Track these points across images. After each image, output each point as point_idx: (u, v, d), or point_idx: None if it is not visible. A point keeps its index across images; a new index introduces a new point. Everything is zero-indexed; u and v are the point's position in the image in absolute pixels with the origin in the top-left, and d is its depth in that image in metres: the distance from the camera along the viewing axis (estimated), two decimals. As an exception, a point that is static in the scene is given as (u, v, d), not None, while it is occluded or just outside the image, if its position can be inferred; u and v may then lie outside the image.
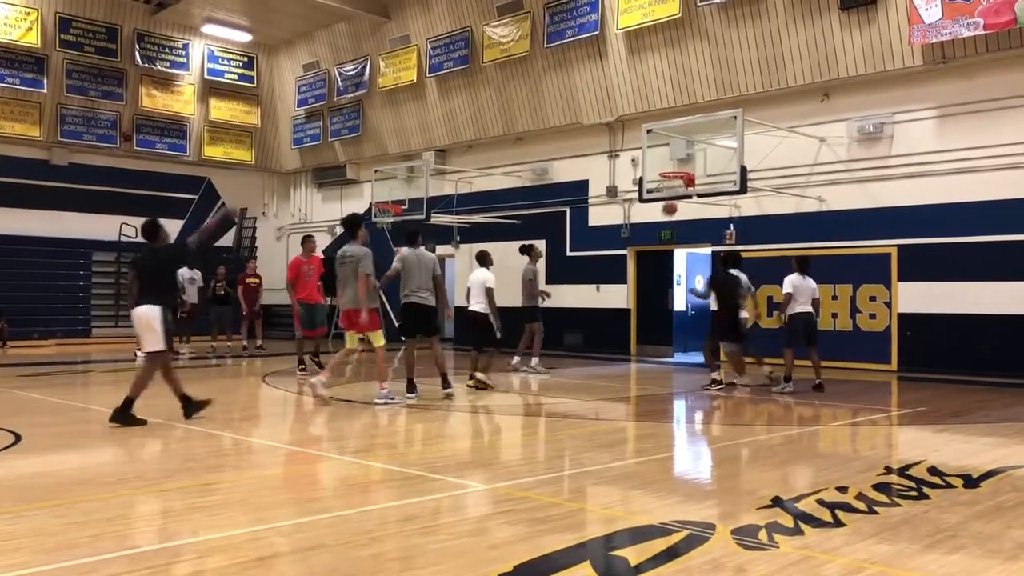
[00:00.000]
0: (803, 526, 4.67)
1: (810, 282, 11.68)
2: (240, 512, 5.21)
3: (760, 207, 15.81)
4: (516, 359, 14.63)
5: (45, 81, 20.86)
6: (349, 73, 22.48)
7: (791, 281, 11.56)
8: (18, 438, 7.36)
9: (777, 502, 5.20)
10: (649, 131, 14.54)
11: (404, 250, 10.98)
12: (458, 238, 20.72)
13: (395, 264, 10.87)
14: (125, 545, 4.27)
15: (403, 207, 19.44)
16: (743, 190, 13.55)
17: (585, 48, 17.50)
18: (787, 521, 4.76)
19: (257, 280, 18.93)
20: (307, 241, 14.59)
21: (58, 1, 20.97)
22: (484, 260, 13.17)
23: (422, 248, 10.98)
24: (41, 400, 10.63)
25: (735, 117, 13.45)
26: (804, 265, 11.75)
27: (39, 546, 4.27)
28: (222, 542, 4.41)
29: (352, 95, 22.45)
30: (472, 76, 19.65)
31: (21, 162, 21.05)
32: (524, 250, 14.82)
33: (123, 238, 22.34)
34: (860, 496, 5.40)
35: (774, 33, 14.92)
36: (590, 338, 18.22)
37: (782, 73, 15.02)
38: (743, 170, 13.37)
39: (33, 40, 20.46)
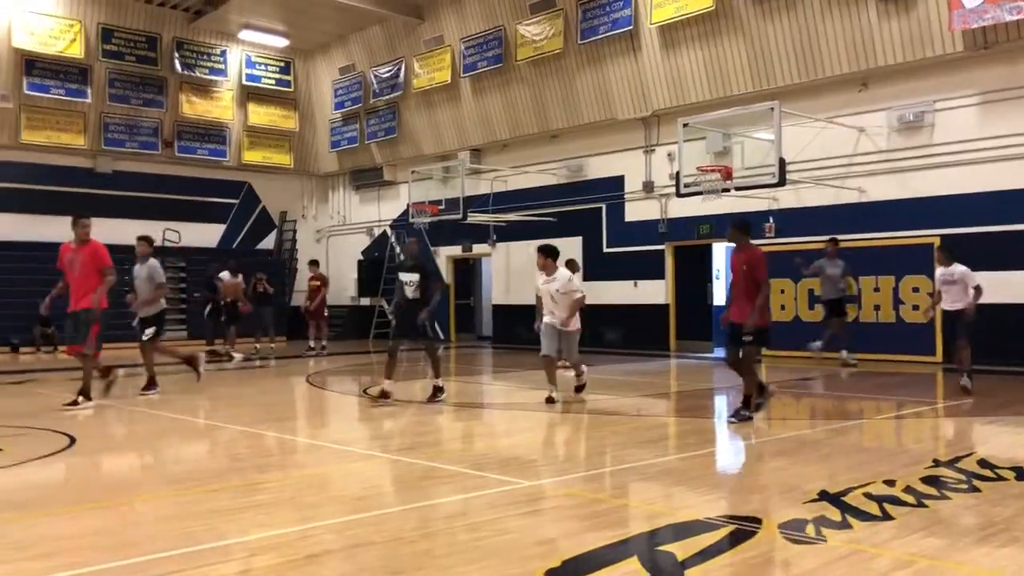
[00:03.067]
0: (851, 520, 4.64)
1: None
2: (288, 511, 5.30)
3: (799, 199, 15.66)
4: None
5: (89, 91, 21.29)
6: (384, 75, 22.64)
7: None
8: (73, 440, 7.54)
9: (824, 496, 5.16)
10: (685, 125, 14.47)
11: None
12: (494, 237, 20.78)
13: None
14: (179, 544, 4.37)
15: (440, 207, 19.56)
16: (782, 182, 13.43)
17: (618, 43, 17.45)
18: (835, 515, 4.73)
19: (318, 282, 19.15)
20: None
21: (100, 12, 21.38)
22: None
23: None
24: (92, 402, 10.83)
25: (772, 109, 13.34)
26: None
27: (97, 545, 4.38)
28: (272, 540, 4.49)
29: (387, 97, 22.61)
30: (506, 75, 19.69)
31: (67, 170, 21.50)
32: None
33: (166, 243, 22.71)
34: (908, 489, 5.35)
35: (810, 23, 14.75)
36: (628, 335, 18.17)
37: (819, 63, 14.85)
38: (781, 162, 13.26)
39: (77, 51, 20.89)
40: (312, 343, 19.14)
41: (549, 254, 10.06)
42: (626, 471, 6.35)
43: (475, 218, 19.56)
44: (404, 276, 10.25)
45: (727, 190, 14.25)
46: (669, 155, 17.08)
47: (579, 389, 10.46)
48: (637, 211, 18.31)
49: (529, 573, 3.79)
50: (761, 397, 8.67)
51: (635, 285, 18.26)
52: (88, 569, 3.94)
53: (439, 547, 4.35)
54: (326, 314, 19.47)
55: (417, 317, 10.14)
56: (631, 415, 9.64)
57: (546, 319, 10.06)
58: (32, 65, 20.53)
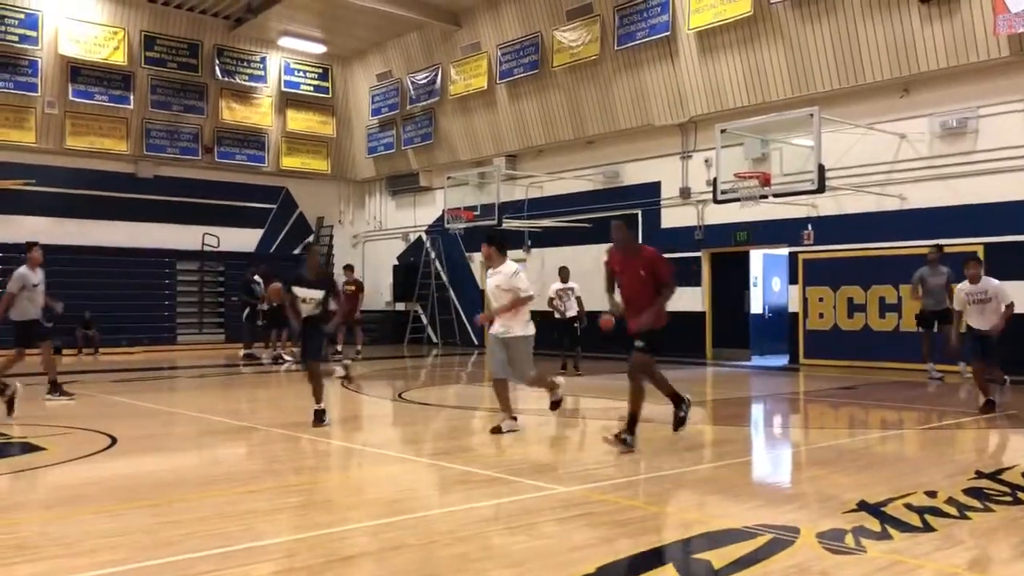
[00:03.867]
0: (891, 530, 4.56)
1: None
2: (324, 513, 5.34)
3: (839, 206, 15.47)
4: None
5: (131, 97, 21.66)
6: (421, 81, 22.77)
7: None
8: (114, 441, 7.66)
9: (863, 506, 5.08)
10: (723, 131, 14.37)
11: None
12: (529, 243, 20.78)
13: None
14: (216, 544, 4.41)
15: (475, 213, 19.60)
16: (821, 189, 13.28)
17: (656, 49, 17.39)
18: (874, 525, 4.66)
19: (353, 287, 19.26)
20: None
21: (143, 19, 21.77)
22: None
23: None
24: (132, 404, 11.03)
25: (811, 115, 13.20)
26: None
27: (136, 543, 4.44)
28: (307, 542, 4.52)
29: (424, 103, 22.73)
30: (542, 81, 19.70)
31: (109, 175, 21.88)
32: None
33: (206, 247, 23.02)
34: (951, 501, 5.25)
35: (851, 28, 14.59)
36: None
37: (859, 69, 14.67)
38: (821, 169, 13.11)
39: (120, 58, 21.27)
40: (340, 348, 19.24)
41: (494, 242, 8.40)
42: (660, 479, 6.31)
43: (510, 224, 19.57)
44: (303, 292, 8.89)
45: (765, 197, 14.11)
46: (706, 161, 16.96)
47: (555, 405, 9.02)
48: (673, 217, 18.21)
49: (564, 579, 3.78)
50: (683, 410, 7.77)
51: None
52: (130, 566, 4.00)
53: (474, 551, 4.34)
54: (360, 318, 19.56)
55: (316, 337, 9.04)
56: (665, 422, 9.56)
57: (492, 328, 8.36)
58: (77, 72, 20.94)
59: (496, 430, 8.20)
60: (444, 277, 23.59)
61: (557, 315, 14.99)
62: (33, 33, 20.28)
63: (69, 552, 4.25)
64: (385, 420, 10.52)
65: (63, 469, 6.52)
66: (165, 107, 22.26)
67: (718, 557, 4.07)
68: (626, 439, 7.24)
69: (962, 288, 9.50)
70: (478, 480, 6.13)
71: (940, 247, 13.12)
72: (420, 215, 24.46)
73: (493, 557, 4.24)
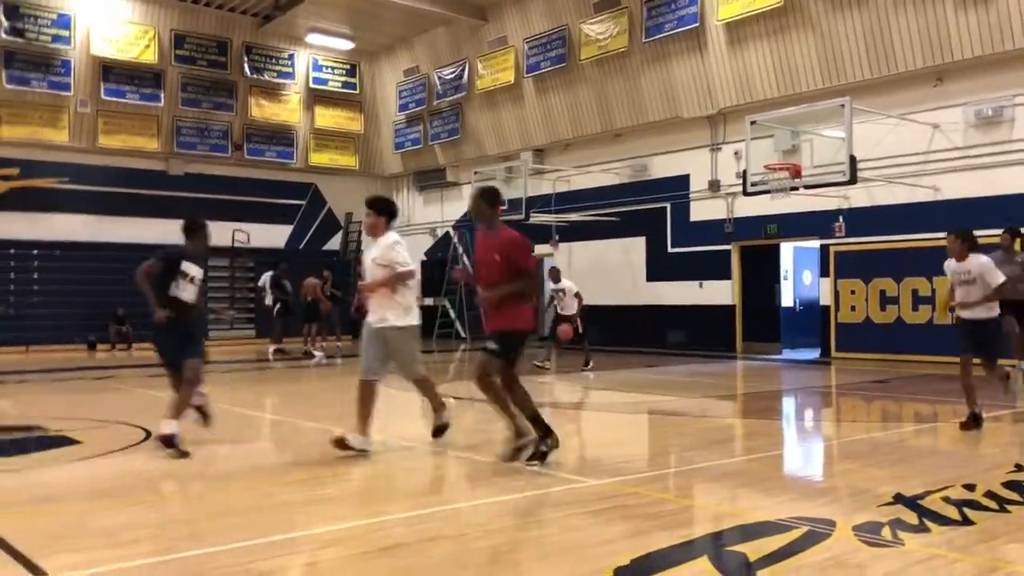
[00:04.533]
0: (929, 524, 4.51)
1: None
2: (358, 505, 5.37)
3: (871, 198, 15.29)
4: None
5: (162, 95, 21.90)
6: (448, 76, 22.80)
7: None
8: (148, 434, 7.76)
9: (899, 499, 5.03)
10: (753, 123, 14.26)
11: None
12: (557, 237, 20.75)
13: None
14: (254, 535, 4.46)
15: (502, 207, 19.55)
16: (852, 180, 13.14)
17: (684, 41, 17.28)
18: (911, 518, 4.60)
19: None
20: None
21: (173, 18, 21.99)
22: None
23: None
24: (164, 399, 11.12)
25: (842, 106, 13.06)
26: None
27: (175, 534, 4.50)
28: (342, 533, 4.55)
29: (451, 98, 22.77)
30: (569, 74, 19.65)
31: (141, 173, 22.14)
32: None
33: (236, 244, 23.22)
34: (989, 494, 5.17)
35: (883, 17, 14.40)
36: (693, 336, 17.97)
37: (892, 58, 14.48)
38: (852, 160, 12.97)
39: (151, 57, 21.52)
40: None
41: (375, 207, 6.87)
42: (692, 472, 6.28)
43: (537, 218, 19.56)
44: (192, 268, 7.31)
45: (795, 189, 13.99)
46: (736, 153, 16.84)
47: (438, 431, 7.19)
48: (702, 210, 18.10)
49: (598, 571, 3.77)
50: (547, 446, 6.23)
51: (700, 286, 18.05)
52: (170, 556, 4.05)
53: (507, 543, 4.35)
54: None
55: (191, 331, 7.47)
56: (696, 416, 9.52)
57: (368, 317, 6.88)
58: (109, 71, 21.21)
59: (340, 442, 6.52)
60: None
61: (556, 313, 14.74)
62: (66, 33, 20.56)
63: (109, 543, 4.31)
64: (415, 413, 10.55)
65: (100, 462, 6.61)
66: (195, 105, 22.49)
67: (753, 549, 4.04)
68: (544, 451, 6.18)
69: (947, 265, 8.14)
70: (508, 473, 6.12)
71: (1016, 231, 11.41)
72: (447, 210, 24.51)
73: (525, 549, 4.24)
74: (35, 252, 20.60)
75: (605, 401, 10.83)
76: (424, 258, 25.13)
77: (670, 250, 18.68)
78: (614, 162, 19.61)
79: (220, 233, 22.99)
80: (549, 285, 14.95)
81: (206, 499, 5.40)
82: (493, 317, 6.30)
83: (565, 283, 14.65)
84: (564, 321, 14.41)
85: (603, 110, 19.26)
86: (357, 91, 25.22)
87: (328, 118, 24.85)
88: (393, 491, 5.82)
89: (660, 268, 18.74)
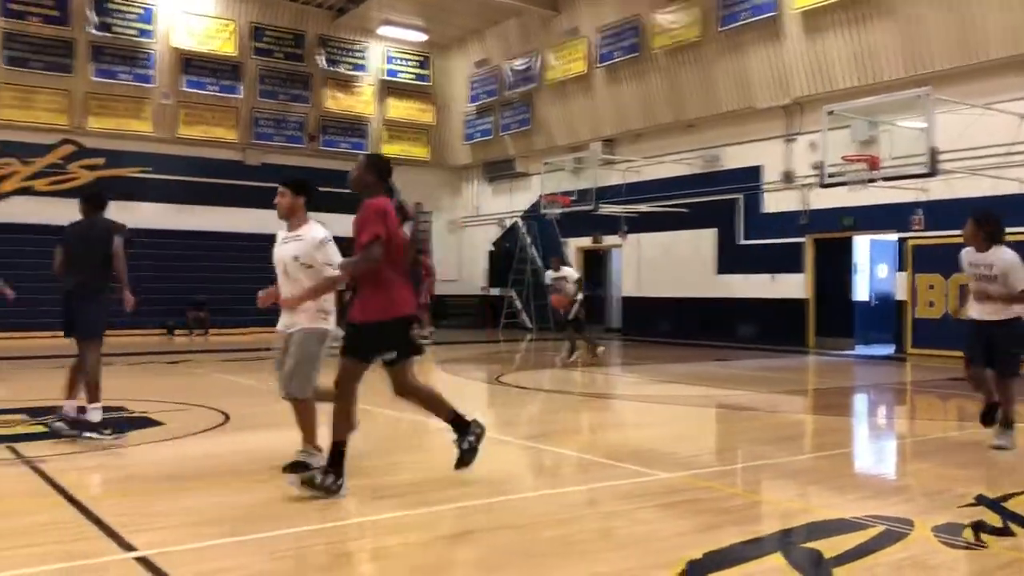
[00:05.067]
0: (1013, 527, 4.39)
1: None
2: (428, 491, 5.45)
3: (951, 190, 14.81)
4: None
5: (241, 87, 22.44)
6: (519, 68, 22.84)
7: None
8: (227, 417, 8.00)
9: (982, 500, 4.90)
10: (830, 113, 13.94)
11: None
12: (626, 228, 20.64)
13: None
14: (330, 518, 4.58)
15: (571, 198, 19.57)
16: (933, 172, 12.76)
17: (759, 30, 16.98)
18: (994, 520, 4.49)
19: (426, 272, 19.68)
20: None
21: (251, 11, 22.50)
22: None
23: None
24: (242, 383, 11.49)
25: (924, 95, 12.68)
26: None
27: (255, 516, 4.64)
28: (411, 520, 4.64)
29: (522, 89, 22.80)
30: (641, 64, 19.50)
31: (219, 163, 22.71)
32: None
33: (309, 233, 23.69)
34: (1077, 498, 5.01)
35: (968, 4, 13.92)
36: (764, 330, 17.70)
37: (977, 46, 13.99)
38: (933, 151, 12.59)
39: (230, 49, 22.08)
40: (427, 332, 19.63)
41: (291, 185, 5.83)
42: (762, 467, 6.21)
43: (607, 209, 19.48)
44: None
45: (873, 180, 13.64)
46: (811, 144, 16.49)
47: (296, 467, 5.38)
48: (776, 202, 17.79)
49: (669, 563, 3.78)
50: (467, 437, 5.52)
51: (772, 279, 17.76)
52: (249, 537, 4.18)
53: (577, 533, 4.38)
54: (426, 302, 19.90)
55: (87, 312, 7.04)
56: (766, 411, 9.40)
57: (281, 319, 5.77)
58: (189, 64, 21.81)
59: (292, 467, 5.42)
60: (539, 263, 23.64)
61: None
62: (149, 27, 21.21)
63: (192, 521, 4.47)
64: (483, 402, 10.64)
65: (181, 443, 6.85)
66: (272, 97, 22.99)
67: (827, 546, 3.99)
68: (467, 449, 5.48)
69: (963, 256, 6.77)
70: (577, 464, 6.16)
71: None
72: (516, 201, 24.57)
73: (597, 540, 4.26)
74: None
75: (673, 394, 10.76)
76: (492, 248, 25.26)
77: (741, 242, 18.42)
78: (685, 153, 19.39)
79: (294, 222, 23.59)
80: (549, 274, 14.61)
81: (280, 482, 5.54)
82: (360, 304, 5.17)
83: (566, 271, 14.36)
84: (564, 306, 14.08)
85: (675, 100, 19.06)
86: (429, 83, 25.46)
87: (400, 110, 25.14)
88: (460, 479, 5.89)
89: (730, 260, 18.50)
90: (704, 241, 19.04)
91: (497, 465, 6.51)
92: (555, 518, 4.64)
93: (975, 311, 6.63)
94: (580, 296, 14.04)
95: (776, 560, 3.85)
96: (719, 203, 18.62)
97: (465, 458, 5.44)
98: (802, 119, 17.08)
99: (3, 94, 19.74)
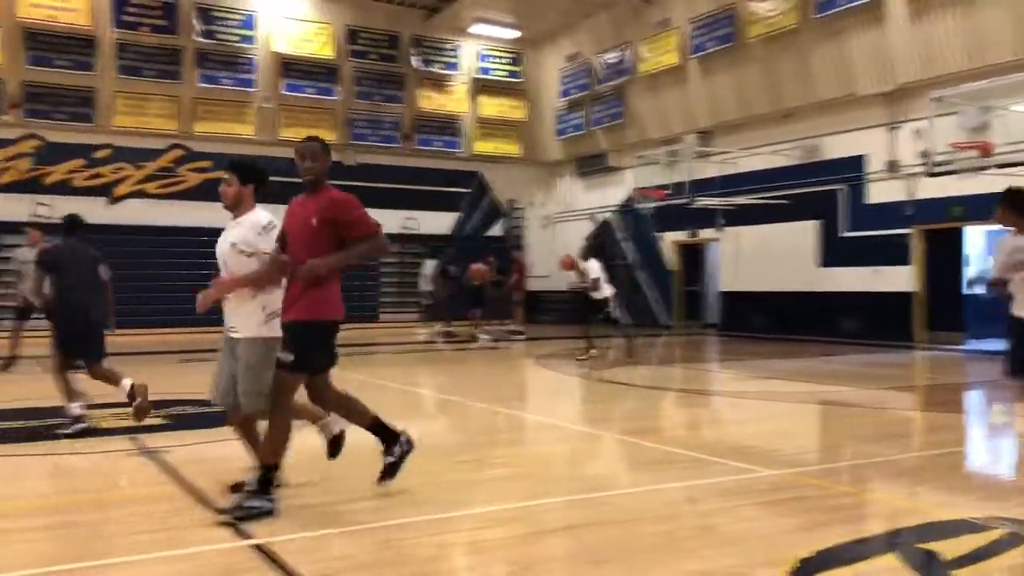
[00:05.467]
0: None
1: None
2: (526, 485, 5.50)
3: (1072, 176, 14.05)
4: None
5: (338, 89, 22.99)
6: (611, 61, 22.70)
7: None
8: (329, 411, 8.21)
9: (1111, 504, 4.66)
10: (938, 99, 13.39)
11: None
12: (722, 221, 20.29)
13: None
14: (429, 511, 4.66)
15: (666, 192, 19.34)
16: (1051, 158, 12.12)
17: (860, 14, 16.42)
18: None
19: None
20: None
21: (347, 14, 23.02)
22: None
23: None
24: (345, 377, 11.73)
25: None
26: None
27: (359, 506, 4.78)
28: (512, 513, 4.69)
29: (613, 83, 22.66)
30: (736, 54, 19.11)
31: (318, 164, 23.30)
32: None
33: (405, 230, 24.11)
34: None
35: (1089, -22, 13.17)
36: (868, 324, 17.14)
37: (1100, 23, 13.22)
38: (1051, 136, 11.96)
39: (328, 52, 22.66)
40: (520, 327, 19.71)
41: (238, 171, 5.20)
42: (871, 465, 6.02)
43: (702, 202, 19.18)
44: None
45: (985, 168, 13.04)
46: (917, 132, 15.87)
47: (237, 487, 4.84)
48: (879, 192, 17.20)
49: (775, 561, 3.72)
50: (392, 452, 5.04)
51: (874, 271, 17.18)
52: (353, 528, 4.32)
53: (682, 529, 4.35)
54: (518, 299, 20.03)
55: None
56: (873, 408, 9.11)
57: (225, 318, 4.99)
58: (288, 67, 22.45)
59: (237, 487, 4.85)
60: (633, 257, 23.49)
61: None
62: (250, 33, 21.92)
63: (299, 511, 4.63)
64: (578, 397, 10.65)
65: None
66: (367, 98, 23.46)
67: (946, 548, 3.85)
68: (392, 461, 5.05)
69: (1004, 244, 5.86)
70: (678, 460, 6.10)
71: None
72: (609, 195, 24.43)
73: (702, 536, 4.22)
74: (225, 239, 22.11)
75: (773, 390, 10.54)
76: (585, 243, 25.17)
77: (843, 234, 17.87)
78: (783, 143, 18.92)
79: (392, 220, 24.01)
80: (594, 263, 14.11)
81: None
82: (294, 303, 4.67)
83: (587, 264, 14.10)
84: (598, 304, 13.83)
85: (772, 89, 18.62)
86: (520, 79, 25.56)
87: (492, 107, 25.32)
88: (559, 474, 5.92)
89: (832, 253, 17.97)
90: (805, 233, 18.56)
91: (595, 460, 6.51)
92: (656, 514, 4.62)
93: (1018, 306, 5.60)
94: (605, 294, 13.83)
95: (891, 560, 3.75)
96: (820, 194, 18.11)
97: (388, 471, 4.96)
98: (906, 106, 16.44)
99: (117, 102, 20.71)
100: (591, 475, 5.93)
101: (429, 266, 20.90)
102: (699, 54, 19.86)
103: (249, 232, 4.86)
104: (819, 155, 18.30)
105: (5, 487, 5.73)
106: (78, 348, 7.16)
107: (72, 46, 20.21)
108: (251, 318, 4.79)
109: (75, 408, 7.09)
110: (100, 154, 20.70)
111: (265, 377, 4.68)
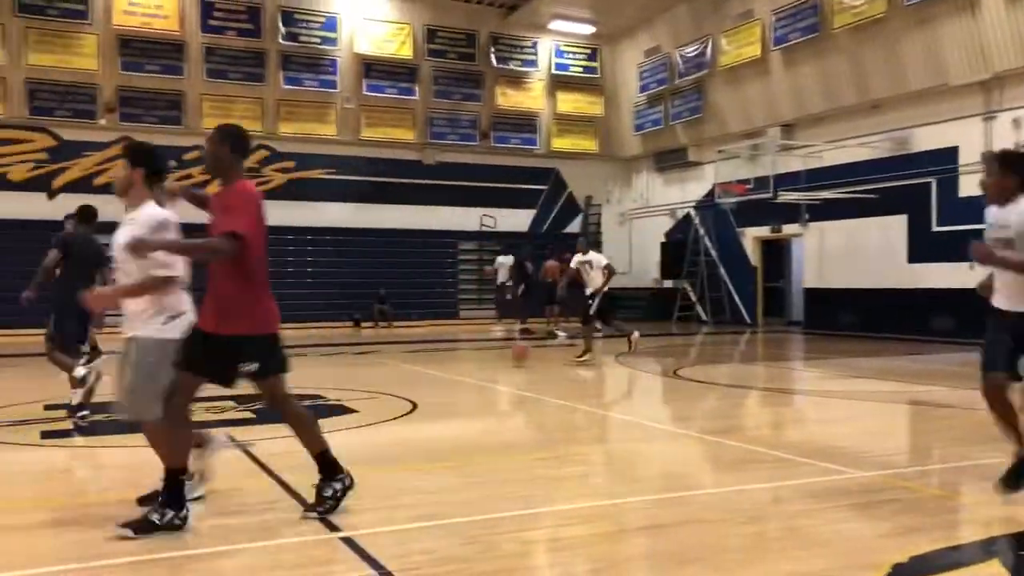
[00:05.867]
0: None
1: None
2: (608, 483, 5.48)
3: None
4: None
5: (417, 88, 23.26)
6: (690, 54, 22.40)
7: None
8: (414, 406, 8.34)
9: None
10: (1037, 86, 12.83)
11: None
12: (807, 216, 19.83)
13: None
14: (518, 506, 4.68)
15: (747, 186, 19.00)
16: None
17: (952, 1, 15.83)
18: None
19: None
20: None
21: (425, 14, 23.28)
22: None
23: None
24: (425, 373, 11.93)
25: None
26: None
27: (444, 501, 4.82)
28: (596, 510, 4.67)
29: (693, 76, 22.35)
30: (821, 44, 18.64)
31: (398, 163, 23.62)
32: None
33: (483, 228, 24.27)
34: None
35: None
36: (961, 322, 16.51)
37: None
38: None
39: (407, 52, 22.95)
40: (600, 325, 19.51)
41: (130, 155, 4.68)
42: (965, 468, 5.80)
43: (786, 197, 18.77)
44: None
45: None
46: (1015, 121, 15.24)
47: (144, 500, 4.54)
48: (974, 185, 16.53)
49: (867, 566, 3.62)
50: (332, 487, 4.51)
51: (971, 267, 16.52)
52: (442, 521, 4.34)
53: (772, 530, 4.27)
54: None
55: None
56: (967, 408, 8.76)
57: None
58: (369, 68, 22.82)
59: (144, 500, 4.54)
60: (714, 254, 23.14)
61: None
62: (333, 35, 22.36)
63: (390, 505, 4.71)
64: (659, 396, 10.56)
65: (375, 430, 7.21)
66: (446, 96, 23.68)
67: (1049, 557, 3.70)
68: (331, 497, 4.49)
69: (989, 216, 4.96)
70: (763, 460, 5.99)
71: None
72: (688, 191, 24.12)
73: (790, 538, 4.14)
74: (308, 237, 22.60)
75: (861, 390, 10.25)
76: (663, 240, 24.94)
77: (935, 229, 17.27)
78: (871, 135, 18.38)
79: (469, 218, 24.26)
80: (577, 257, 13.25)
81: (470, 469, 5.73)
82: (216, 313, 4.31)
83: (593, 255, 13.20)
84: (589, 298, 12.82)
85: (858, 80, 18.09)
86: (598, 75, 25.44)
87: (569, 103, 25.26)
88: (642, 472, 5.87)
89: (923, 248, 17.38)
90: (894, 228, 18.00)
91: (679, 459, 6.44)
92: (743, 515, 4.54)
93: (1004, 302, 4.83)
94: (605, 288, 12.86)
95: (994, 568, 3.61)
96: (910, 188, 17.53)
97: (321, 505, 4.46)
98: (1003, 95, 15.79)
99: (204, 105, 21.37)
100: (674, 474, 5.87)
101: (504, 263, 21.01)
102: (782, 46, 19.43)
103: (142, 230, 4.36)
104: (909, 147, 17.71)
105: (96, 478, 5.98)
106: (68, 332, 7.61)
107: (163, 51, 20.94)
108: (152, 316, 4.43)
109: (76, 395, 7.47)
110: (189, 156, 21.39)
111: (155, 377, 4.31)
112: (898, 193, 17.68)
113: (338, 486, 4.50)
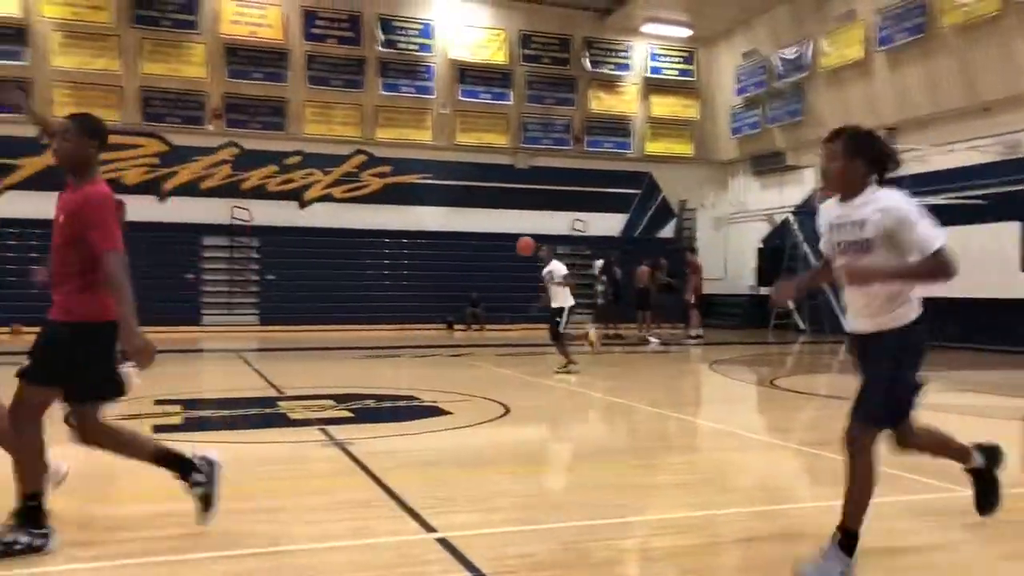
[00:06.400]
0: None
1: None
2: (702, 493, 5.38)
3: None
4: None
5: (510, 94, 23.42)
6: (790, 57, 21.91)
7: None
8: (507, 409, 8.38)
9: None
10: None
11: None
12: (911, 222, 19.11)
13: None
14: (615, 514, 4.64)
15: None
16: None
17: (1074, -3, 15.08)
18: None
19: (690, 269, 19.59)
20: None
21: (520, 19, 23.43)
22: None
23: None
24: (518, 377, 11.99)
25: None
26: None
27: (538, 505, 4.84)
28: (692, 521, 4.60)
29: (792, 79, 21.86)
30: (927, 44, 17.98)
31: (491, 167, 23.82)
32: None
33: (574, 232, 24.22)
34: None
35: None
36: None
37: None
38: None
39: (501, 58, 23.16)
40: (692, 332, 19.30)
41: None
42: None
43: (889, 203, 18.12)
44: None
45: None
46: None
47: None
48: (1093, 191, 15.69)
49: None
50: (193, 476, 4.06)
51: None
52: (538, 526, 4.35)
53: (868, 549, 4.11)
54: (693, 302, 19.48)
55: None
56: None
57: None
58: (464, 74, 23.09)
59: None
60: (813, 261, 22.51)
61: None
62: (429, 42, 22.74)
63: (483, 507, 4.74)
64: (755, 405, 10.34)
65: (469, 432, 7.27)
66: (539, 101, 23.80)
67: None
68: (197, 491, 4.07)
69: (823, 213, 3.99)
70: (867, 474, 5.78)
71: None
72: (786, 195, 23.57)
73: (902, 556, 3.99)
74: (404, 241, 22.99)
75: (971, 404, 9.82)
76: (760, 245, 24.41)
77: (1051, 236, 16.42)
78: (981, 139, 17.61)
79: (560, 222, 24.25)
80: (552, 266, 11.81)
81: (563, 474, 5.74)
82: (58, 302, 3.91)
83: (555, 265, 11.78)
84: (556, 314, 11.63)
85: (967, 81, 17.38)
86: (693, 78, 25.14)
87: (664, 107, 25.04)
88: (737, 483, 5.76)
89: (1038, 256, 16.56)
90: (1005, 236, 17.17)
91: (775, 471, 6.29)
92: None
93: (860, 319, 3.99)
94: (570, 302, 11.72)
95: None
96: (1022, 194, 16.72)
97: (203, 503, 4.05)
98: None
99: (307, 111, 21.99)
100: (771, 486, 5.73)
101: (596, 267, 20.99)
102: (886, 46, 18.84)
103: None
104: (1021, 151, 16.91)
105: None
106: None
107: (267, 59, 21.66)
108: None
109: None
110: (291, 160, 22.05)
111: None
112: (1010, 199, 16.88)
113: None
